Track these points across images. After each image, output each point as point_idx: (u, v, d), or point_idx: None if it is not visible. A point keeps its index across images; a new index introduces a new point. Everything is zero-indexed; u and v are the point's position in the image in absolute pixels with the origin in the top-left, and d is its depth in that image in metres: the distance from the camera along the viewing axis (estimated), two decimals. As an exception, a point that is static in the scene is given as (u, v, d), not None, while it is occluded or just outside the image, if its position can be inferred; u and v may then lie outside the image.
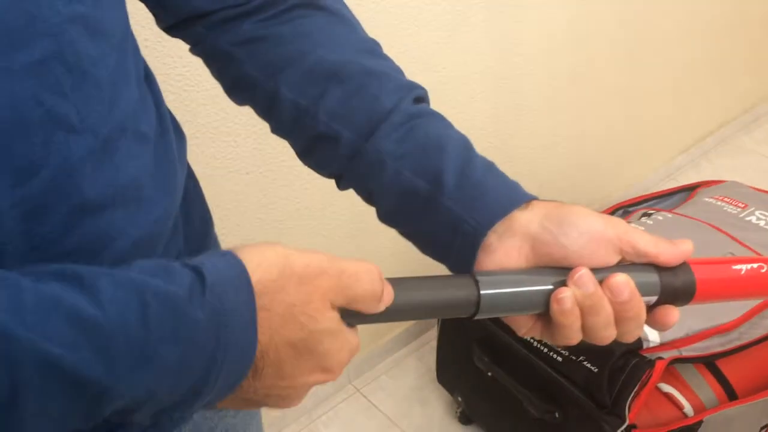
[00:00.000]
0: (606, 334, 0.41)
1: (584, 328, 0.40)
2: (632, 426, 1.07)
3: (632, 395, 1.07)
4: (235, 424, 0.55)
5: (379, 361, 1.60)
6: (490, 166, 0.45)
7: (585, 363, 1.13)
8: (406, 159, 0.44)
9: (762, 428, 1.21)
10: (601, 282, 0.40)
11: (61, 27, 0.35)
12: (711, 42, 2.05)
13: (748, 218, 1.42)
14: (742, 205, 1.46)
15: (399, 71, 0.48)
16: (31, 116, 0.34)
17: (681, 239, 0.43)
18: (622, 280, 0.40)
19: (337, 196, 1.33)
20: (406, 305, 0.38)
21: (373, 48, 0.49)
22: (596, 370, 1.11)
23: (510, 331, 1.24)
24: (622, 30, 1.73)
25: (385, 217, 0.46)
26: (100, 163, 0.37)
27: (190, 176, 0.51)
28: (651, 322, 0.43)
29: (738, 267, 0.43)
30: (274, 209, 1.24)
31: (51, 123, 0.35)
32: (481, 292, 0.39)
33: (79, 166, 0.36)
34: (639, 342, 1.12)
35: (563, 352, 1.16)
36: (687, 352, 1.14)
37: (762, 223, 1.41)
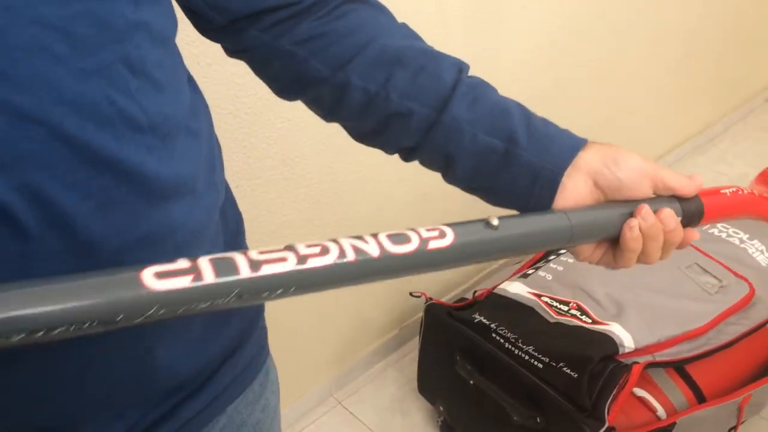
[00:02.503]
0: (658, 256, 0.51)
1: (643, 252, 0.50)
2: (611, 428, 1.12)
3: (611, 398, 1.12)
4: (263, 419, 0.58)
5: (360, 374, 1.62)
6: (546, 120, 0.52)
7: (565, 369, 1.17)
8: (479, 123, 0.50)
9: (730, 430, 1.28)
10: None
11: (128, 33, 0.38)
12: (672, 69, 2.16)
13: (710, 231, 1.50)
14: (704, 219, 1.54)
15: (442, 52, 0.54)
16: (106, 114, 0.37)
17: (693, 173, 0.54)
18: (669, 213, 0.49)
19: (324, 209, 1.36)
20: (512, 239, 0.46)
21: (414, 33, 0.55)
22: (576, 375, 1.15)
23: (492, 340, 1.28)
24: (594, 51, 1.81)
25: (462, 177, 0.53)
26: (164, 159, 0.40)
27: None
28: None
29: (724, 191, 0.56)
30: (263, 222, 1.26)
31: (122, 121, 0.37)
32: (573, 223, 0.48)
33: (147, 160, 0.39)
34: (615, 347, 1.18)
35: (543, 359, 1.20)
36: (660, 357, 1.20)
37: (723, 235, 1.49)
